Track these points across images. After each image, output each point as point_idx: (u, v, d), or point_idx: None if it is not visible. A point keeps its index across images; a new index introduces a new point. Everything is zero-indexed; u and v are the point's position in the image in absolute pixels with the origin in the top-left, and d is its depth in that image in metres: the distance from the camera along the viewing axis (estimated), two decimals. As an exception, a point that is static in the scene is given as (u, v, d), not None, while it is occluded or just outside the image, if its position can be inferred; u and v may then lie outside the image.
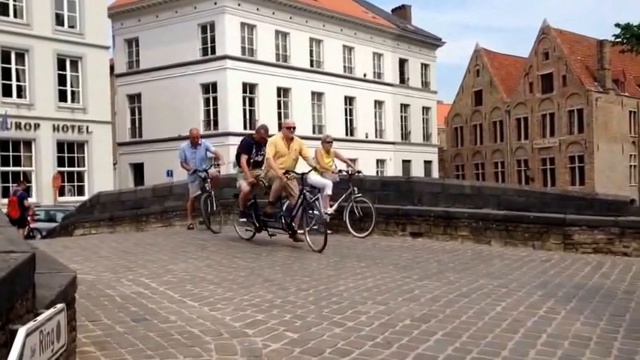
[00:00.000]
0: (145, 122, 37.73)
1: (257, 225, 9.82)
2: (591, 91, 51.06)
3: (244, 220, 10.01)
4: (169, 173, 31.08)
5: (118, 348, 4.10)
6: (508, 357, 4.14)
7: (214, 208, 11.51)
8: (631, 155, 54.33)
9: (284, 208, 9.66)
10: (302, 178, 9.20)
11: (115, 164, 35.05)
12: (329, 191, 11.24)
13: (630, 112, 54.10)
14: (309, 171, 9.54)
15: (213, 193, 11.46)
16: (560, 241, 10.09)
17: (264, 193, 9.87)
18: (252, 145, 9.98)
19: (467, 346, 4.34)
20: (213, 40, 35.58)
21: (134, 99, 38.62)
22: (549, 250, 9.91)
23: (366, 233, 10.92)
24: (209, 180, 11.53)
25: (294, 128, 9.65)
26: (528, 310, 5.49)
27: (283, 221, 9.43)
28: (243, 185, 9.78)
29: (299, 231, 9.36)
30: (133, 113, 39.00)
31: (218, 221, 11.58)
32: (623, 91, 54.18)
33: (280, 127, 12.56)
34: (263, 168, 9.86)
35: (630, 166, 54.33)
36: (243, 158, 9.81)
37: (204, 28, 35.91)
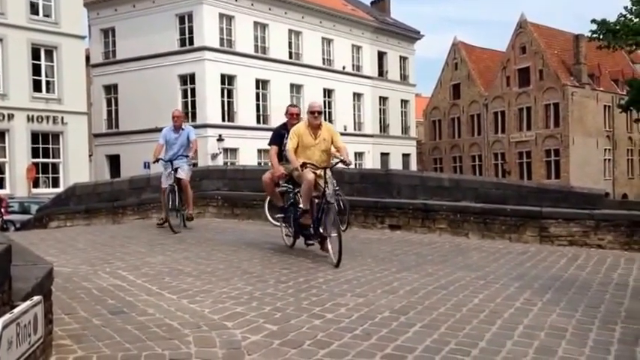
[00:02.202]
0: (122, 113, 37.35)
1: (295, 230, 8.08)
2: (567, 86, 51.64)
3: (282, 216, 8.41)
4: (146, 165, 30.80)
5: (95, 341, 4.06)
6: (485, 348, 4.18)
7: (177, 204, 10.42)
8: (605, 149, 55.11)
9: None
10: (324, 171, 7.43)
11: (90, 156, 34.68)
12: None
13: (605, 106, 54.83)
14: (336, 163, 7.94)
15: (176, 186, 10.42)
16: (536, 234, 10.20)
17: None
18: (284, 134, 8.25)
19: (445, 337, 4.38)
20: (191, 31, 35.30)
21: (110, 90, 38.22)
22: (526, 242, 10.02)
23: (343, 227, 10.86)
24: (179, 179, 10.43)
25: (319, 112, 7.68)
26: (505, 301, 5.55)
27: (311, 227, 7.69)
28: (265, 176, 8.55)
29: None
30: (109, 104, 38.60)
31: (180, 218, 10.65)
32: (599, 85, 54.87)
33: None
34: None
35: (605, 159, 55.11)
36: (273, 150, 8.36)
37: (182, 19, 35.60)
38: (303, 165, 7.31)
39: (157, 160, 10.71)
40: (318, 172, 7.40)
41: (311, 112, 7.65)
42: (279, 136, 8.44)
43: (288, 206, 8.17)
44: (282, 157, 8.24)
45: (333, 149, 7.88)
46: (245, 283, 6.00)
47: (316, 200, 7.56)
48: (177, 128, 10.83)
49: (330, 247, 7.25)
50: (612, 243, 9.77)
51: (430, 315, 4.97)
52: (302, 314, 4.86)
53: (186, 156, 10.67)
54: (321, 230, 7.44)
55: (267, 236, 10.09)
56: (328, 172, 7.40)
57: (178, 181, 10.38)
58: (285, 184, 8.21)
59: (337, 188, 11.09)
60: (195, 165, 31.51)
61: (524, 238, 10.22)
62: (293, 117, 8.55)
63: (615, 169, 55.69)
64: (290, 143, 7.62)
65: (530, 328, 4.70)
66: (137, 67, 36.02)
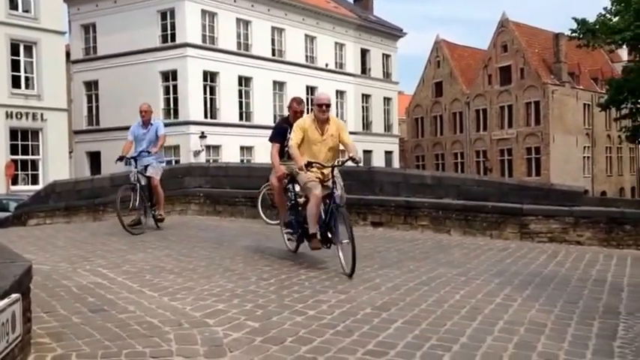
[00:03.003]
0: (103, 110, 37.01)
1: (301, 232, 7.18)
2: (548, 84, 52.07)
3: (290, 231, 7.46)
4: (128, 162, 30.57)
5: (74, 339, 4.03)
6: (466, 343, 4.21)
7: (137, 204, 9.65)
8: (585, 147, 55.65)
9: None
10: (331, 170, 6.66)
11: (70, 152, 34.34)
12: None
13: (584, 104, 55.36)
14: (345, 161, 6.97)
15: (139, 185, 9.70)
16: (517, 231, 10.29)
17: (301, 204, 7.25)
18: (287, 129, 7.53)
19: (426, 333, 4.40)
20: (173, 27, 35.06)
21: (91, 86, 37.87)
22: (507, 239, 10.10)
23: None
24: (148, 178, 9.91)
25: (327, 105, 6.85)
26: (486, 297, 5.59)
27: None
28: (273, 180, 7.66)
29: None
30: (89, 101, 38.23)
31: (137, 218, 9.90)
32: (578, 84, 55.39)
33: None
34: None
35: (584, 157, 55.66)
36: (274, 148, 7.60)
37: (163, 15, 35.34)
38: (308, 165, 6.43)
39: (121, 159, 9.98)
40: (325, 171, 6.67)
41: (318, 105, 6.81)
42: (280, 132, 7.66)
43: (289, 207, 7.37)
44: (283, 154, 7.56)
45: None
46: (227, 281, 5.98)
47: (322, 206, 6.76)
48: (145, 123, 10.24)
49: (341, 254, 6.42)
50: (591, 239, 9.88)
51: (412, 311, 5.00)
52: (284, 311, 4.86)
53: (151, 152, 9.96)
54: (330, 235, 6.63)
55: (250, 233, 10.08)
56: (336, 171, 6.68)
57: (148, 179, 9.92)
58: (290, 187, 7.38)
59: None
60: (177, 162, 31.51)
61: (505, 235, 10.29)
62: (297, 115, 7.80)
63: (594, 167, 56.27)
64: (294, 138, 6.77)
65: (510, 323, 4.74)
66: (118, 64, 35.70)
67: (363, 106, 46.69)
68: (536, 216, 10.28)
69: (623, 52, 44.45)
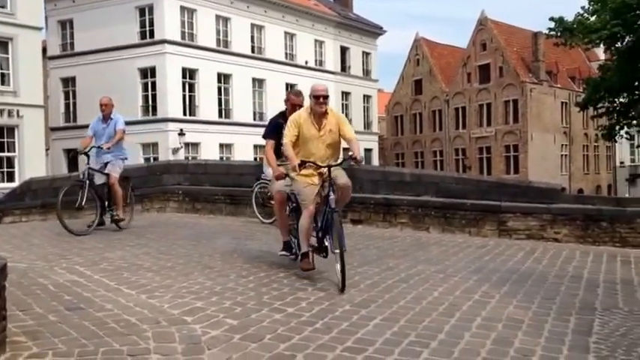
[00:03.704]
0: (80, 107, 36.60)
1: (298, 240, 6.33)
2: (526, 83, 52.54)
3: (285, 254, 6.58)
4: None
5: (50, 337, 3.98)
6: (444, 340, 4.23)
7: (83, 202, 9.08)
8: (562, 145, 56.25)
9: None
10: (328, 171, 5.86)
11: (47, 150, 33.93)
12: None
13: (562, 103, 55.94)
14: (344, 160, 6.21)
15: (88, 183, 9.18)
16: (495, 228, 10.37)
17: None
18: (283, 125, 6.67)
19: (405, 330, 4.41)
20: (151, 24, 34.78)
21: (68, 82, 37.45)
22: (485, 236, 10.17)
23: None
24: (105, 177, 9.47)
25: (325, 97, 6.08)
26: (464, 294, 5.63)
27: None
28: (276, 188, 6.52)
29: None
30: (67, 97, 37.82)
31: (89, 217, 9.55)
32: (556, 82, 55.96)
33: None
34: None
35: (562, 155, 56.25)
36: (269, 145, 6.79)
37: (142, 11, 35.04)
38: (302, 164, 5.73)
39: (77, 154, 9.72)
40: (322, 170, 5.89)
41: (315, 97, 6.04)
42: (276, 128, 6.80)
43: (290, 211, 6.55)
44: (279, 152, 6.73)
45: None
46: (205, 278, 5.95)
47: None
48: (105, 118, 9.83)
49: (337, 263, 5.67)
50: (568, 236, 9.99)
51: (390, 308, 5.01)
52: (263, 308, 4.85)
53: (109, 148, 9.47)
54: (327, 243, 5.90)
55: (229, 231, 10.05)
56: (336, 171, 5.89)
57: (107, 177, 9.52)
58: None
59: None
60: (156, 159, 31.29)
61: (484, 232, 10.37)
62: (295, 109, 6.92)
63: (572, 165, 56.90)
64: (287, 134, 6.01)
65: (488, 319, 4.78)
66: (96, 60, 35.35)
67: (342, 104, 46.70)
68: (514, 213, 10.37)
69: (600, 51, 44.98)
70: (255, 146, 35.41)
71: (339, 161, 6.19)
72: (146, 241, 8.60)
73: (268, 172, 10.67)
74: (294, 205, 6.35)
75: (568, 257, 8.13)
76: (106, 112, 9.86)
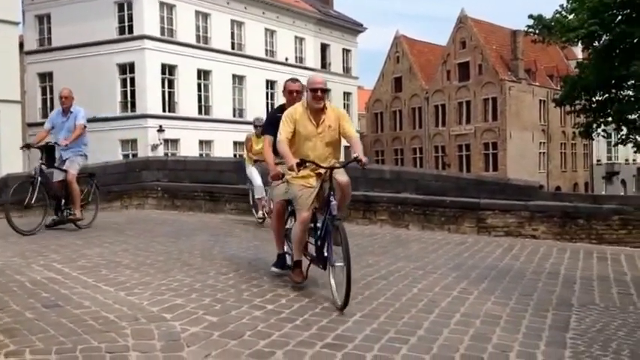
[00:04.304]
0: (57, 102, 35.99)
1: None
2: (505, 81, 52.94)
3: (277, 271, 5.94)
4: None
5: (28, 335, 3.93)
6: (423, 336, 4.26)
7: (33, 200, 8.70)
8: (541, 143, 56.81)
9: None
10: (329, 175, 5.19)
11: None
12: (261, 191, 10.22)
13: (540, 101, 56.48)
14: (348, 163, 5.41)
15: (40, 180, 8.80)
16: (474, 225, 10.46)
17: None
18: (280, 118, 5.70)
19: (384, 326, 4.43)
20: (130, 19, 34.49)
21: (45, 78, 37.00)
22: (464, 233, 10.25)
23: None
24: (63, 174, 9.01)
25: (323, 91, 5.41)
26: (443, 290, 5.67)
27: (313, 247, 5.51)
28: (275, 197, 5.95)
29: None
30: (44, 93, 37.36)
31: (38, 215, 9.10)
32: (535, 80, 56.47)
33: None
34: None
35: (540, 153, 56.81)
36: (267, 142, 6.03)
37: (120, 6, 34.73)
38: (301, 164, 5.09)
39: (28, 147, 9.37)
40: (321, 170, 5.29)
41: (312, 90, 5.39)
42: (274, 123, 5.96)
43: (289, 214, 5.92)
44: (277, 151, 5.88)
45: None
46: (185, 275, 5.92)
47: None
48: (65, 111, 9.28)
49: (332, 281, 5.10)
50: (546, 233, 10.12)
51: (370, 305, 5.03)
52: (242, 305, 4.84)
53: (61, 144, 9.02)
54: (326, 253, 5.23)
55: (208, 227, 10.02)
56: (338, 173, 5.24)
57: (65, 174, 9.10)
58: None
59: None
60: (135, 156, 31.04)
61: (463, 229, 10.46)
62: (293, 96, 6.16)
63: (549, 162, 57.49)
64: (282, 131, 5.40)
65: (467, 316, 4.82)
66: (74, 55, 34.96)
67: (323, 101, 46.70)
68: (492, 210, 10.48)
69: (578, 50, 45.45)
70: (235, 143, 35.30)
71: (338, 163, 5.53)
72: (125, 237, 8.54)
73: (252, 172, 10.58)
74: (294, 208, 5.68)
75: (545, 254, 8.22)
76: (66, 104, 9.29)
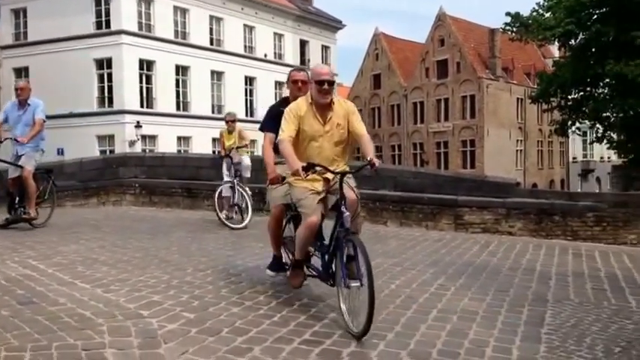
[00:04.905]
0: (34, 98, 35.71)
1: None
2: (483, 78, 53.33)
3: (273, 274, 5.45)
4: (60, 151, 29.70)
5: (2, 332, 3.88)
6: (401, 332, 4.28)
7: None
8: (518, 140, 57.35)
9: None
10: (340, 180, 4.51)
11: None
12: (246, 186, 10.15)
13: (518, 99, 56.97)
14: (361, 168, 4.77)
15: None
16: (451, 222, 10.54)
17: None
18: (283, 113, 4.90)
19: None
20: (108, 14, 34.11)
21: (21, 73, 36.38)
22: (442, 230, 10.33)
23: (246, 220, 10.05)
24: (19, 170, 8.58)
25: (330, 83, 4.69)
26: (421, 287, 5.70)
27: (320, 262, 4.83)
28: (273, 200, 5.26)
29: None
30: (30, 89, 36.74)
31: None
32: (512, 78, 56.98)
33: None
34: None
35: (517, 150, 57.35)
36: (267, 140, 5.28)
37: (97, 1, 34.32)
38: (309, 168, 4.39)
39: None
40: (330, 176, 4.63)
41: (318, 83, 4.69)
42: (275, 118, 5.10)
43: (287, 221, 5.34)
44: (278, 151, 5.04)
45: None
46: (162, 272, 5.89)
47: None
48: (21, 103, 8.81)
49: (343, 305, 4.36)
50: (522, 230, 10.22)
51: (348, 301, 5.04)
52: (220, 302, 4.83)
53: (19, 141, 8.58)
54: (334, 268, 4.59)
55: (186, 224, 9.97)
56: (349, 180, 4.60)
57: (21, 170, 8.65)
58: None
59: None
60: (112, 152, 30.76)
61: (440, 226, 10.53)
62: (297, 87, 5.39)
63: (526, 160, 58.07)
64: (286, 129, 4.68)
65: (444, 312, 4.85)
66: (50, 50, 34.49)
67: (302, 98, 46.68)
68: (470, 207, 10.57)
69: (555, 48, 45.95)
70: (214, 139, 35.11)
71: (346, 167, 4.83)
72: (102, 234, 8.47)
73: (223, 168, 10.37)
74: (294, 213, 5.09)
75: (522, 250, 8.31)
76: (23, 96, 8.83)
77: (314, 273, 4.93)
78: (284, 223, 5.35)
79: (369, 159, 4.50)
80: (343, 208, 4.42)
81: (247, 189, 10.26)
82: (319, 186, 4.64)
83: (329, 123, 4.75)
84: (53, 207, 9.53)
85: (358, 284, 4.16)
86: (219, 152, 10.81)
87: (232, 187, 9.95)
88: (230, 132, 10.52)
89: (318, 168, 4.49)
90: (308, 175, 4.42)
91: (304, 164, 4.40)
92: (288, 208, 5.16)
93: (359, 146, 4.82)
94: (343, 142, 4.83)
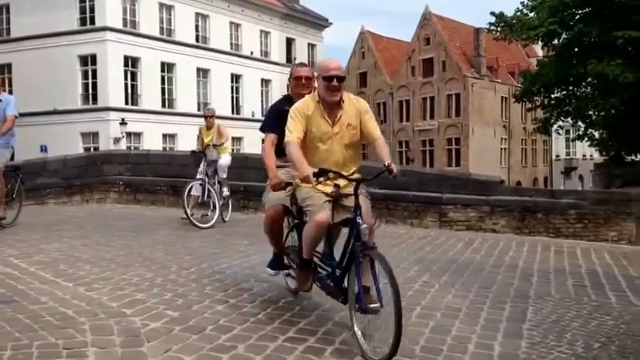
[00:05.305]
0: (17, 95, 34.86)
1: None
2: (468, 77, 53.61)
3: (273, 272, 5.04)
4: (43, 149, 29.46)
5: (-18, 332, 3.86)
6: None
7: None
8: (502, 138, 57.72)
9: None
10: (355, 188, 4.03)
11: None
12: (224, 185, 10.08)
13: (502, 97, 57.35)
14: (379, 175, 4.11)
15: None
16: (436, 219, 10.60)
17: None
18: (287, 112, 4.41)
19: (346, 319, 4.43)
20: (92, 10, 33.84)
21: (4, 69, 36.04)
22: (426, 227, 10.37)
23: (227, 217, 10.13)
24: None
25: (340, 79, 4.23)
26: (405, 284, 5.71)
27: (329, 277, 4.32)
28: (270, 199, 4.76)
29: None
30: (2, 84, 36.31)
31: None
32: (497, 77, 57.32)
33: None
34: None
35: (501, 148, 57.72)
36: (269, 141, 4.78)
37: (82, -3, 34.08)
38: (321, 174, 3.92)
39: None
40: (342, 183, 4.16)
41: (326, 79, 4.22)
42: (279, 117, 4.61)
43: (290, 229, 4.90)
44: (281, 150, 4.49)
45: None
46: (146, 270, 5.87)
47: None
48: None
49: (358, 331, 3.89)
50: (505, 227, 10.30)
51: (332, 298, 5.04)
52: (204, 300, 4.82)
53: None
54: (346, 283, 4.08)
55: (171, 222, 9.93)
56: (362, 189, 4.11)
57: None
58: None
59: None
60: (96, 149, 30.54)
61: (425, 223, 10.58)
62: (301, 83, 4.92)
63: (510, 158, 58.47)
64: (293, 130, 4.21)
65: (427, 308, 4.88)
66: (34, 46, 34.16)
67: (288, 95, 46.62)
68: (454, 205, 10.62)
69: (539, 47, 46.26)
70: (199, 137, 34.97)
71: (356, 173, 4.32)
72: (85, 232, 8.42)
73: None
74: (296, 221, 4.68)
75: (505, 247, 8.37)
76: None
77: (322, 287, 4.42)
78: (286, 232, 4.90)
79: (386, 164, 4.01)
80: (359, 219, 3.92)
81: (226, 188, 10.09)
82: (329, 190, 4.16)
83: (338, 123, 4.28)
84: (20, 205, 9.21)
85: (378, 306, 3.71)
86: (196, 149, 10.49)
87: (202, 185, 9.65)
88: (209, 128, 10.24)
89: (331, 174, 4.04)
90: (320, 183, 4.01)
91: (316, 170, 3.92)
92: (288, 213, 4.72)
93: (376, 150, 4.25)
94: (355, 144, 4.39)
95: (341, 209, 4.15)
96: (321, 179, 3.93)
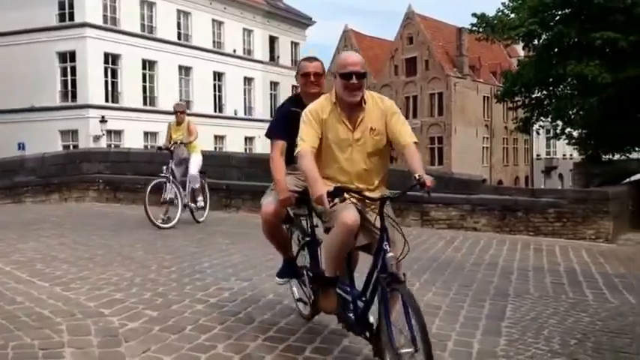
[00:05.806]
0: (-7, 91, 34.90)
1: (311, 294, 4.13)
2: (450, 76, 53.85)
3: (282, 281, 4.38)
4: (21, 146, 29.08)
5: (-44, 332, 3.79)
6: (365, 328, 4.28)
7: None
8: (484, 137, 58.07)
9: None
10: (380, 205, 3.44)
11: (-41, 136, 32.22)
12: (194, 184, 9.51)
13: (484, 97, 57.67)
14: (408, 190, 3.56)
15: None
16: (418, 218, 10.63)
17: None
18: (297, 115, 3.76)
19: (326, 317, 4.39)
20: (71, 6, 33.46)
21: (-18, 65, 35.63)
22: (409, 226, 10.39)
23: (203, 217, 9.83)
24: None
25: (360, 76, 3.51)
26: (385, 282, 5.72)
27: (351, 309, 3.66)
28: (265, 208, 4.10)
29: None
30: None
31: None
32: (479, 77, 57.64)
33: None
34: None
35: (483, 147, 58.08)
36: (277, 149, 4.07)
37: (61, -8, 33.69)
38: (339, 192, 3.23)
39: None
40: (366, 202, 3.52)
41: (343, 77, 3.54)
42: (287, 120, 4.00)
43: (300, 247, 4.24)
44: (291, 158, 3.88)
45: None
46: (125, 269, 5.81)
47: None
48: None
49: None
50: (486, 226, 10.36)
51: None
52: (184, 299, 4.79)
53: None
54: (372, 319, 3.55)
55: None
56: (388, 208, 3.55)
57: None
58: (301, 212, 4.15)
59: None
60: (75, 147, 30.18)
61: (407, 222, 10.60)
62: (310, 81, 4.11)
63: (492, 157, 58.85)
64: (306, 138, 3.55)
65: (408, 307, 4.88)
66: (11, 42, 33.68)
67: (271, 94, 46.50)
68: (436, 204, 10.67)
69: (520, 47, 46.61)
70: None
71: (382, 186, 3.78)
72: (62, 231, 8.32)
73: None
74: (308, 239, 4.11)
75: (485, 246, 8.42)
76: None
77: (339, 319, 3.78)
78: (296, 249, 4.29)
79: (417, 176, 3.36)
80: (386, 246, 3.33)
81: (198, 186, 9.66)
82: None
83: (359, 128, 3.59)
84: None
85: (412, 350, 3.10)
86: (163, 145, 10.08)
87: (165, 184, 9.25)
88: (179, 124, 9.84)
89: (352, 195, 3.41)
90: (335, 205, 3.25)
91: (331, 188, 3.25)
92: (289, 221, 4.18)
93: (406, 159, 3.59)
94: (379, 151, 3.69)
95: (362, 230, 3.47)
96: (337, 200, 3.22)
